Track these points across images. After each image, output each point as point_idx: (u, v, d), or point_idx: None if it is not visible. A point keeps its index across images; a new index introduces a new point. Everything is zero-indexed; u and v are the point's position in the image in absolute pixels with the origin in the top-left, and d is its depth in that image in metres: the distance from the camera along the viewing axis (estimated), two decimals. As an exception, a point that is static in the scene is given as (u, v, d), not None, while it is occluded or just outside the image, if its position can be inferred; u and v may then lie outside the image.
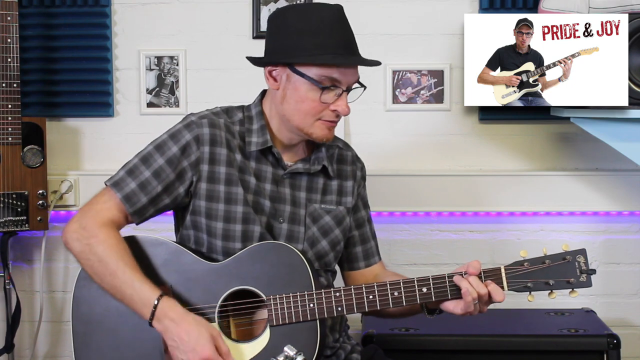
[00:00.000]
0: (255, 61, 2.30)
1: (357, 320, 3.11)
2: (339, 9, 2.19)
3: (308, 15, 2.16)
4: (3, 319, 3.32)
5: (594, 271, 2.08)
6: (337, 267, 2.45)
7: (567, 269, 2.08)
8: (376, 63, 2.24)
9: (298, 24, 2.16)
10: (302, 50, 2.14)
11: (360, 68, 2.27)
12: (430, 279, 2.11)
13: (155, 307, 2.09)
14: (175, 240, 2.35)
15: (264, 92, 2.35)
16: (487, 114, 3.29)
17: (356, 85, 2.24)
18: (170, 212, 2.35)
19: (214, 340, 2.07)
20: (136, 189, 2.21)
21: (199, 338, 2.06)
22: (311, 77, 2.15)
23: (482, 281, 2.09)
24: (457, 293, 2.11)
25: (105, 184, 2.25)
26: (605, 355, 2.83)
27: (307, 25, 2.15)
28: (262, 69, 2.27)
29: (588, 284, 2.08)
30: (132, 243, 2.23)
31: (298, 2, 3.26)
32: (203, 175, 2.23)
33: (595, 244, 3.30)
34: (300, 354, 1.83)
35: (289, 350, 1.83)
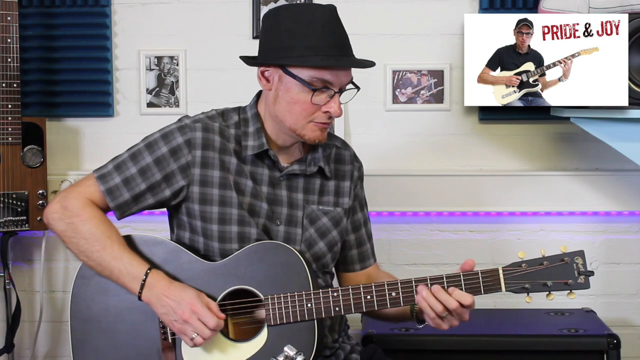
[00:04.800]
0: (248, 61, 2.29)
1: (357, 320, 3.11)
2: (332, 9, 2.18)
3: (300, 16, 2.15)
4: (3, 319, 3.32)
5: (592, 273, 2.07)
6: (333, 270, 2.45)
7: (565, 271, 2.07)
8: (369, 64, 2.22)
9: (290, 24, 2.15)
10: (293, 51, 2.13)
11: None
12: (428, 279, 2.10)
13: (144, 280, 2.12)
14: (170, 239, 2.35)
15: (259, 94, 2.34)
16: (487, 114, 3.28)
17: (350, 85, 2.23)
18: (165, 211, 2.36)
19: (200, 297, 2.10)
20: (120, 184, 2.22)
21: (183, 295, 2.10)
22: (302, 79, 2.14)
23: (446, 291, 2.07)
24: None
25: (93, 173, 2.25)
26: (605, 355, 2.83)
27: (299, 26, 2.14)
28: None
29: (586, 285, 2.07)
30: (130, 242, 2.23)
31: (297, 1, 3.26)
32: (195, 179, 2.22)
33: (595, 244, 3.29)
34: (300, 354, 1.83)
35: (289, 350, 1.83)
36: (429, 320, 2.11)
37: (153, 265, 2.18)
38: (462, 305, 2.06)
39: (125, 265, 2.14)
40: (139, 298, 2.14)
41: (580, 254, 2.09)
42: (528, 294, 2.09)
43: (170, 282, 2.14)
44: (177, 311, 2.08)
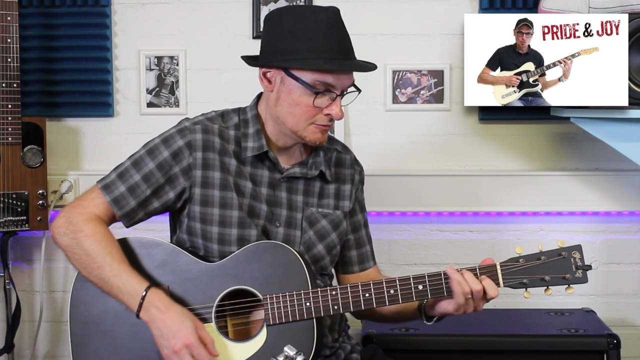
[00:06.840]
0: (250, 62, 2.29)
1: (357, 320, 3.10)
2: (335, 12, 2.17)
3: (303, 18, 2.14)
4: (3, 319, 3.32)
5: (589, 267, 2.07)
6: (332, 271, 2.45)
7: (563, 265, 2.07)
8: (371, 67, 2.22)
9: (293, 26, 2.14)
10: (296, 54, 2.13)
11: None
12: (426, 277, 2.10)
13: (143, 298, 2.11)
14: (170, 240, 2.35)
15: (260, 95, 2.34)
16: (487, 114, 3.28)
17: (351, 88, 2.22)
18: (166, 213, 2.35)
19: (197, 330, 2.09)
20: (125, 192, 2.22)
21: (181, 326, 2.08)
22: (305, 82, 2.13)
23: (477, 278, 2.09)
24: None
25: (97, 185, 2.25)
26: (605, 355, 2.83)
27: (301, 29, 2.13)
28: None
29: (584, 279, 2.07)
30: (129, 244, 2.23)
31: (297, 2, 3.26)
32: (197, 181, 2.22)
33: (595, 244, 3.29)
34: (300, 354, 1.83)
35: (289, 350, 1.83)
36: (452, 305, 2.10)
37: (153, 272, 2.18)
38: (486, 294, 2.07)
39: (124, 283, 2.13)
40: (137, 316, 2.13)
41: (578, 248, 2.09)
42: (526, 289, 2.09)
43: (170, 304, 2.12)
44: (171, 341, 2.07)
